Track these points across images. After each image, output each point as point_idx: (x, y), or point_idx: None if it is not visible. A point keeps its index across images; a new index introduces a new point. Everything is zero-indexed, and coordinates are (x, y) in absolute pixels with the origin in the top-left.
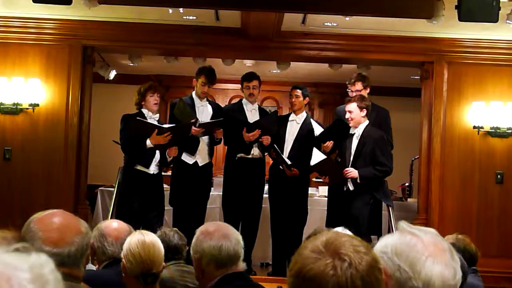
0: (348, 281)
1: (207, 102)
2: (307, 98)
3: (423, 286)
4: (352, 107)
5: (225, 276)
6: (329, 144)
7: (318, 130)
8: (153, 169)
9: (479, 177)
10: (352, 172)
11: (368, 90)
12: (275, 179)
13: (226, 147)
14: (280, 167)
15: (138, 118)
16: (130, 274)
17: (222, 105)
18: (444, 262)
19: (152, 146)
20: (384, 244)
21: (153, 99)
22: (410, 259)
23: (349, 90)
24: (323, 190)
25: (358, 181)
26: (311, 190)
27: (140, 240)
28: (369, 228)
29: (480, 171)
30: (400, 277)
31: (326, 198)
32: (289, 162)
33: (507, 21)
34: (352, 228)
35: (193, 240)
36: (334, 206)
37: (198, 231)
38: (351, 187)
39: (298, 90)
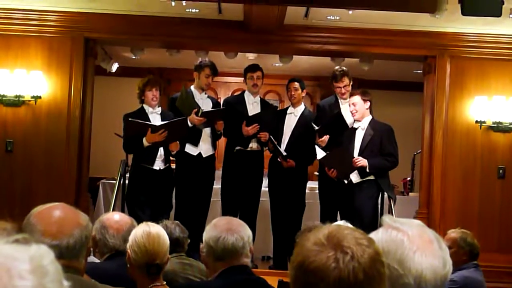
0: (350, 274)
1: (207, 96)
2: (304, 90)
3: (415, 282)
4: (356, 99)
5: (226, 269)
6: (325, 138)
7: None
8: (158, 165)
9: (481, 172)
10: (362, 160)
11: (351, 83)
12: (275, 172)
13: (226, 140)
14: (278, 159)
15: (130, 119)
16: (134, 265)
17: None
18: (432, 254)
19: (149, 144)
20: None
21: (151, 94)
22: (399, 256)
23: (338, 87)
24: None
25: (368, 170)
26: (312, 184)
27: (146, 231)
28: (372, 222)
29: (482, 166)
30: (390, 275)
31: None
32: (284, 154)
33: (510, 16)
34: (356, 222)
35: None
36: (328, 199)
37: (211, 222)
38: (353, 180)
39: (296, 83)
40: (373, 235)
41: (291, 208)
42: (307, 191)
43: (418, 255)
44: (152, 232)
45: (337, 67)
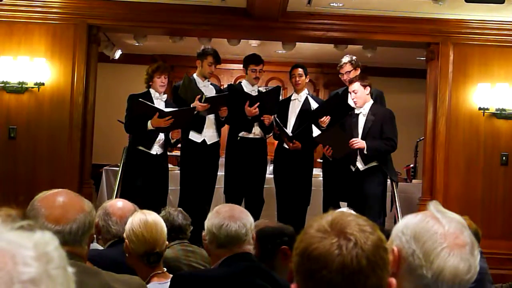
0: (354, 260)
1: (210, 83)
2: (308, 76)
3: (432, 277)
4: (356, 86)
5: (229, 257)
6: (326, 119)
7: (315, 105)
8: (155, 149)
9: (484, 159)
10: (360, 142)
11: (358, 71)
12: (280, 160)
13: (228, 127)
14: (285, 145)
15: (140, 99)
16: (133, 254)
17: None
18: (460, 256)
19: (153, 128)
20: (405, 225)
21: (159, 81)
22: (426, 247)
23: (340, 74)
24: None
25: (365, 151)
26: (316, 171)
27: (142, 220)
28: (381, 208)
29: (485, 153)
30: (412, 263)
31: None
32: (290, 134)
33: None
34: (366, 209)
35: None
36: (331, 186)
37: (213, 210)
38: (360, 167)
39: (300, 69)
40: (410, 217)
41: (296, 195)
42: None
43: (445, 252)
44: (149, 221)
45: (346, 56)
